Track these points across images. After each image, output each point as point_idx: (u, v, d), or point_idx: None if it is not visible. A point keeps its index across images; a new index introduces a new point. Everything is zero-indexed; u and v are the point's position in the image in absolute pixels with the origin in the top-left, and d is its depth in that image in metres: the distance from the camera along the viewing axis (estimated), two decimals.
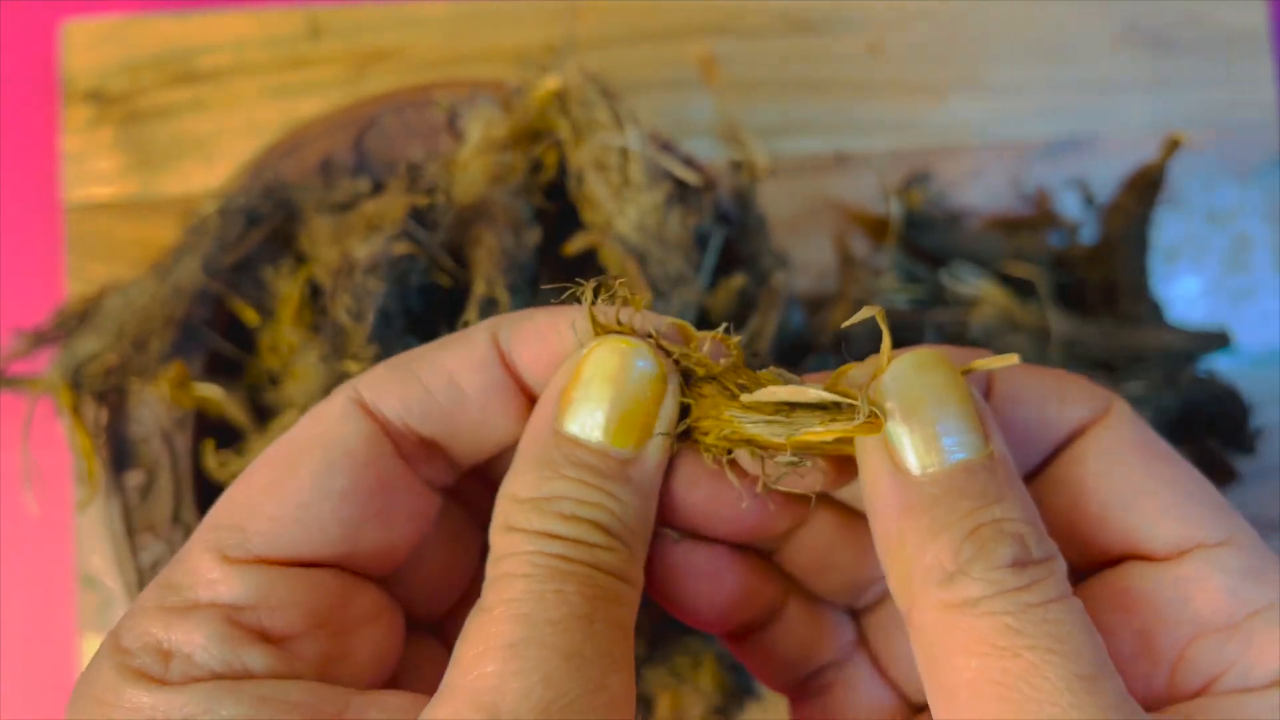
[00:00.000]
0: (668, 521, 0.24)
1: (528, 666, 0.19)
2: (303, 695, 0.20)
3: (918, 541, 0.20)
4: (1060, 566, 0.20)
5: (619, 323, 0.22)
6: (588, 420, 0.21)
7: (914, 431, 0.20)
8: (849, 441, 0.21)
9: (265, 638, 0.21)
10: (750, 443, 0.22)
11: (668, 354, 0.22)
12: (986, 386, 0.23)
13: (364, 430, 0.22)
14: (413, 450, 0.23)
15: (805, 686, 0.26)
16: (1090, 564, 0.23)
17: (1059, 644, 0.18)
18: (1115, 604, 0.22)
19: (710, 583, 0.25)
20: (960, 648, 0.19)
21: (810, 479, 0.23)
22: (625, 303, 0.22)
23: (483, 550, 0.26)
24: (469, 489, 0.26)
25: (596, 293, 0.22)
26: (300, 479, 0.22)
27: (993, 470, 0.20)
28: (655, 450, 0.22)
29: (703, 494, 0.23)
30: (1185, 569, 0.21)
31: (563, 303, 0.23)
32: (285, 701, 0.20)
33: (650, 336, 0.22)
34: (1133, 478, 0.22)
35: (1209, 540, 0.21)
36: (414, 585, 0.25)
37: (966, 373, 0.22)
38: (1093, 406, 0.23)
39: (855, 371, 0.22)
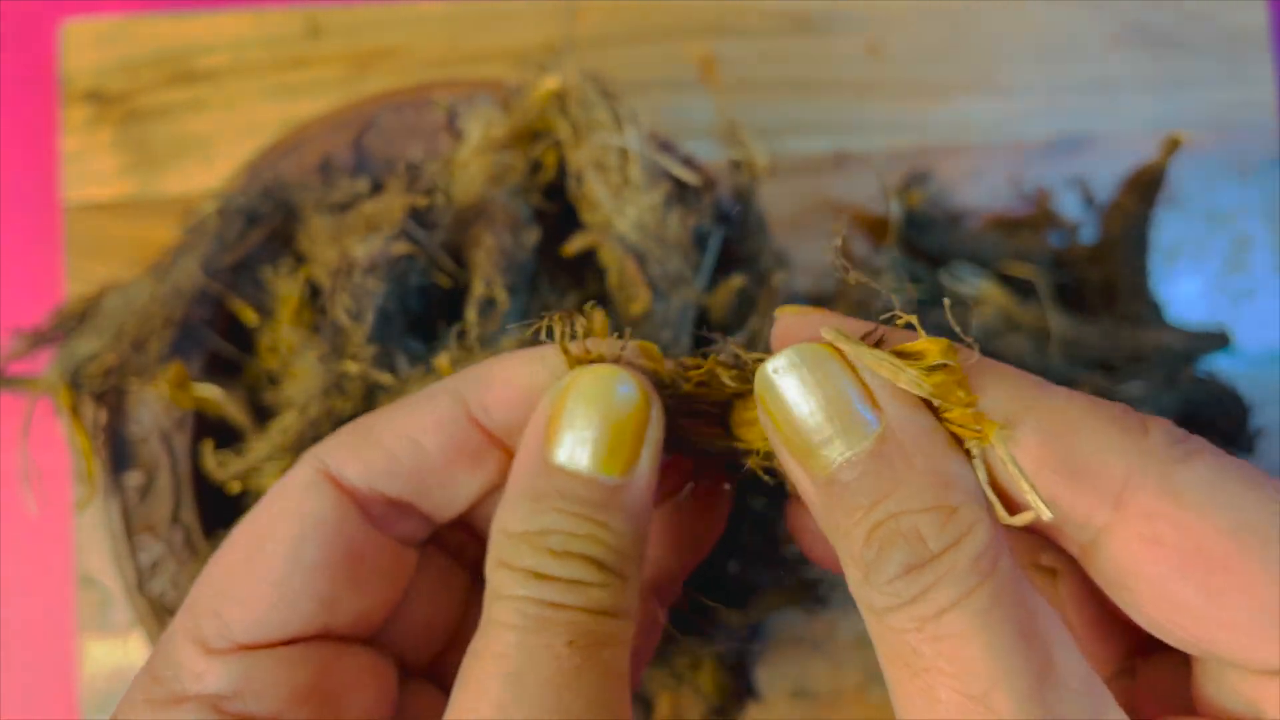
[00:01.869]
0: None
1: None
2: None
3: (835, 539, 0.20)
4: (971, 547, 0.19)
5: (588, 352, 0.22)
6: (576, 449, 0.21)
7: (802, 430, 0.20)
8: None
9: None
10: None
11: (648, 375, 0.22)
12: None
13: (329, 500, 0.22)
14: (383, 512, 0.23)
15: None
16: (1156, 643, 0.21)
17: (949, 664, 0.18)
18: (1183, 694, 0.21)
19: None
20: (882, 653, 0.19)
21: None
22: (590, 332, 0.22)
23: (468, 590, 0.26)
24: (450, 534, 0.26)
25: (569, 324, 0.22)
26: (271, 557, 0.22)
27: (883, 456, 0.19)
28: (644, 472, 0.22)
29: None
30: (1271, 689, 0.19)
31: (536, 334, 0.23)
32: None
33: (620, 360, 0.22)
34: (1184, 588, 0.19)
35: None
36: (403, 635, 0.25)
37: (875, 337, 0.20)
38: (1106, 488, 0.20)
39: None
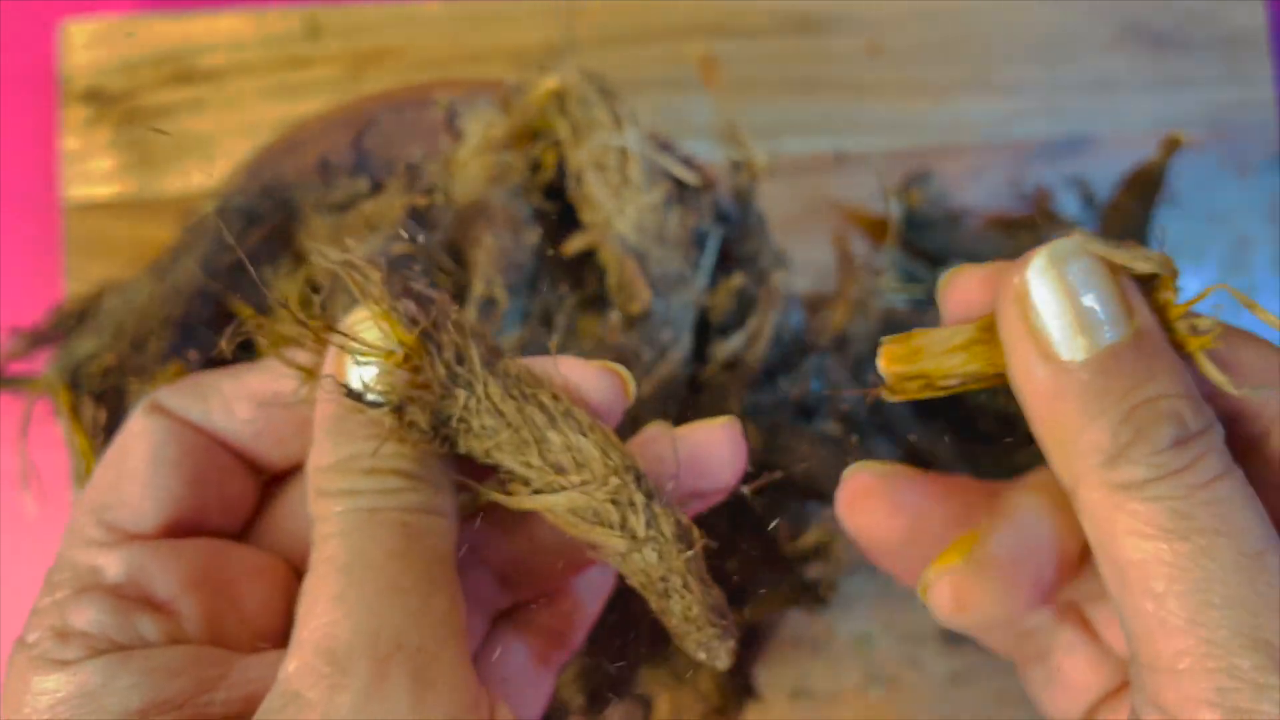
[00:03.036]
0: None
1: (354, 608, 0.21)
2: (187, 661, 0.22)
3: (1076, 425, 0.21)
4: (1219, 434, 0.20)
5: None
6: (364, 378, 0.23)
7: (1060, 320, 0.21)
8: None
9: (150, 604, 0.23)
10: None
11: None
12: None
13: (168, 421, 0.25)
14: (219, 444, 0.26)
15: (1022, 650, 0.27)
16: None
17: (1225, 524, 0.19)
18: None
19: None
20: (1129, 529, 0.20)
21: None
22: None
23: None
24: None
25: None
26: (136, 462, 0.24)
27: (1140, 347, 0.21)
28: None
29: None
30: None
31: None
32: (169, 669, 0.22)
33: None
34: None
35: None
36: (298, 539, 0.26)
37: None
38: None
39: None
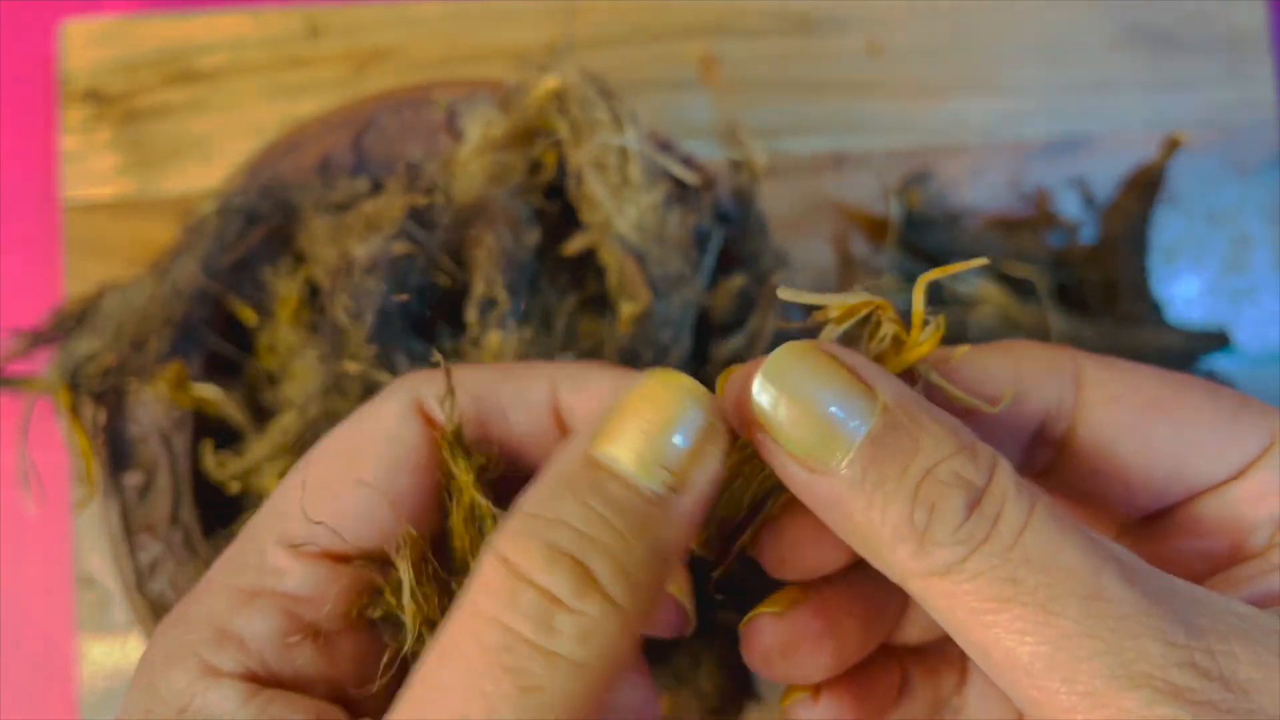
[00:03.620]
0: None
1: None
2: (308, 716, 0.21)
3: (870, 524, 0.19)
4: (1006, 470, 0.20)
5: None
6: (620, 446, 0.20)
7: (808, 434, 0.20)
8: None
9: (314, 632, 0.22)
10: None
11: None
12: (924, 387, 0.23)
13: (421, 431, 0.23)
14: None
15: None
16: (1147, 513, 0.23)
17: (1053, 573, 0.18)
18: (1192, 532, 0.23)
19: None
20: (968, 609, 0.19)
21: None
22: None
23: None
24: None
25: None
26: (364, 474, 0.23)
27: (896, 422, 0.20)
28: (691, 498, 0.20)
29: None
30: (1249, 484, 0.22)
31: None
32: None
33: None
34: (1151, 426, 0.22)
35: (1257, 449, 0.22)
36: None
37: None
38: (1062, 378, 0.23)
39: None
